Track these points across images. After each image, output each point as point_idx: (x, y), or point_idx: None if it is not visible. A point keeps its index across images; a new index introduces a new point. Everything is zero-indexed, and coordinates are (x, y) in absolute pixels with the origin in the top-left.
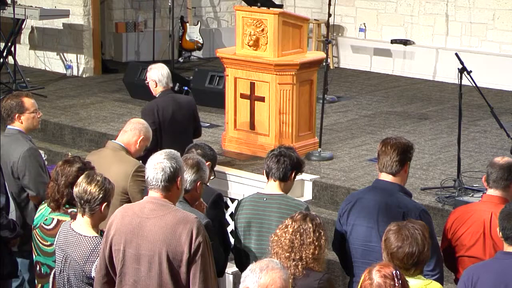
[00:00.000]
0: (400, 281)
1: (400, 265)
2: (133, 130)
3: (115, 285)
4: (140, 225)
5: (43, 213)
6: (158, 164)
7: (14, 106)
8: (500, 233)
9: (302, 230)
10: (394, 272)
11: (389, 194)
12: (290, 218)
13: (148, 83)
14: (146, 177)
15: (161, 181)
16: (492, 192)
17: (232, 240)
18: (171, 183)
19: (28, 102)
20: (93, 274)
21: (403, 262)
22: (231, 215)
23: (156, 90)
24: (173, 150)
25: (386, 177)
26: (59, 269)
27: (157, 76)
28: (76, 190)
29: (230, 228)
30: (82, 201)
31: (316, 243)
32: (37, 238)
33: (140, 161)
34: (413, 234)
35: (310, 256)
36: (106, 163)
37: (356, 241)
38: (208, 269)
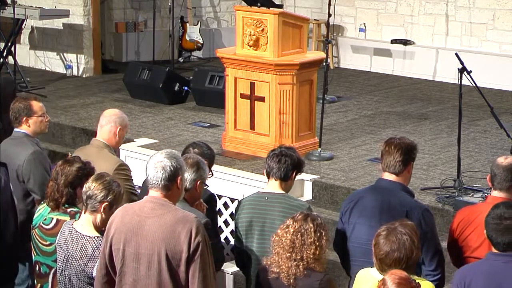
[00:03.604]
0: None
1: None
2: (108, 123)
3: (115, 285)
4: (140, 224)
5: (42, 213)
6: (159, 163)
7: (22, 109)
8: (486, 236)
9: (303, 230)
10: (410, 279)
11: (391, 193)
12: (291, 218)
13: None
14: (146, 176)
15: (161, 180)
16: (496, 193)
17: (231, 240)
18: (171, 182)
19: (36, 105)
20: (94, 274)
21: (391, 268)
22: (231, 215)
23: None
24: (174, 150)
25: (389, 176)
26: (60, 268)
27: None
28: (84, 186)
29: (230, 228)
30: (86, 197)
31: (317, 243)
32: (36, 238)
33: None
34: (400, 240)
35: (311, 256)
36: (91, 160)
37: (357, 240)
38: (207, 269)
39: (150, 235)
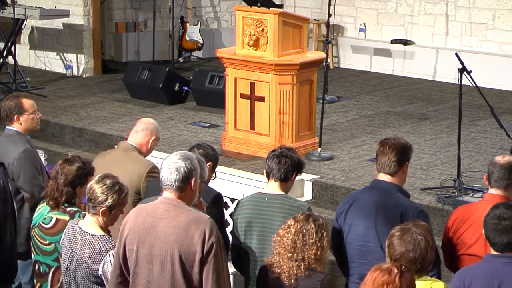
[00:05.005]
0: None
1: None
2: (145, 130)
3: (129, 285)
4: (153, 225)
5: (42, 212)
6: (173, 164)
7: (13, 107)
8: (484, 235)
9: (304, 231)
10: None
11: (387, 194)
12: (293, 219)
13: None
14: (160, 177)
15: (174, 181)
16: (493, 191)
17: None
18: (185, 183)
19: (27, 103)
20: (100, 273)
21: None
22: (231, 215)
23: None
24: (188, 152)
25: (384, 177)
26: (65, 267)
27: None
28: (88, 185)
29: (229, 228)
30: (87, 198)
31: (319, 244)
32: (36, 237)
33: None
34: (415, 240)
35: (313, 256)
36: (119, 163)
37: (353, 241)
38: (221, 270)
39: (164, 236)
